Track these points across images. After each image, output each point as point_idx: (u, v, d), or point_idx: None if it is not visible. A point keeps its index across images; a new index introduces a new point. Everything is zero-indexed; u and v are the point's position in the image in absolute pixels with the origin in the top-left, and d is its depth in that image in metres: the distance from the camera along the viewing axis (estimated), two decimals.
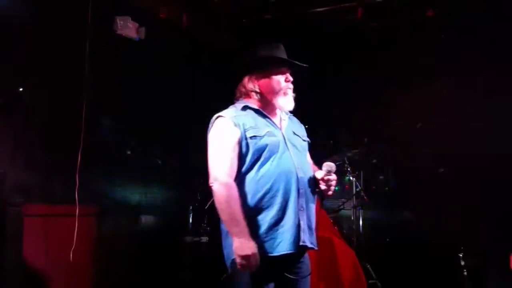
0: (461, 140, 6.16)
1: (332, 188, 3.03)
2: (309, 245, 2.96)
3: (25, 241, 4.14)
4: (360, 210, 6.23)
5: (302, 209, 2.93)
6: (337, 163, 6.48)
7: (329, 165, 2.98)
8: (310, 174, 3.06)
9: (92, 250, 4.88)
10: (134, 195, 5.68)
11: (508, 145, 5.79)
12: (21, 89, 4.21)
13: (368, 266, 5.49)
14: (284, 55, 3.11)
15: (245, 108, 3.05)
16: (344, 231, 6.01)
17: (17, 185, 4.20)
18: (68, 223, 4.53)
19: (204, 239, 5.67)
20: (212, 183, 2.87)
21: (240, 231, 2.75)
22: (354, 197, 6.16)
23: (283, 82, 3.06)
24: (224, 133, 2.93)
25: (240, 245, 2.72)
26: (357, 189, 6.17)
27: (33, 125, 4.47)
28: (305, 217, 2.94)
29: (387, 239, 6.32)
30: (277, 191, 2.87)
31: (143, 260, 5.35)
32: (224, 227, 2.92)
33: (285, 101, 3.06)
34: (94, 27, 4.93)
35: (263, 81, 3.07)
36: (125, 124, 5.50)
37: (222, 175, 2.85)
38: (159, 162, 6.04)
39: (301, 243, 2.89)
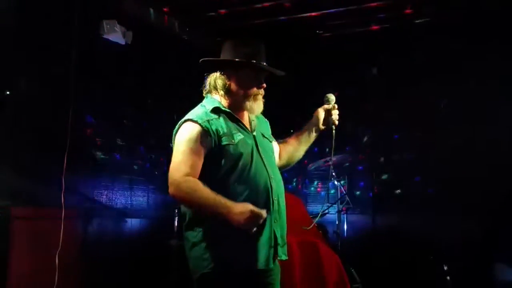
0: (446, 145, 6.23)
1: (337, 116, 3.08)
2: (283, 258, 2.91)
3: (11, 243, 4.14)
4: (345, 215, 6.28)
5: (276, 221, 2.84)
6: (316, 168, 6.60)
7: (327, 97, 3.08)
8: (281, 182, 2.97)
9: (78, 252, 4.88)
10: (120, 198, 5.69)
11: (495, 151, 5.86)
12: (7, 92, 4.21)
13: (352, 270, 5.52)
14: (263, 58, 2.92)
15: (216, 110, 2.87)
16: (329, 236, 6.05)
17: (4, 188, 4.20)
18: (54, 226, 4.54)
19: None
20: (171, 190, 2.69)
21: (225, 208, 2.58)
22: (338, 201, 6.20)
23: (255, 87, 2.91)
24: (191, 137, 2.75)
25: (237, 218, 2.55)
26: (342, 194, 6.22)
27: (20, 128, 4.46)
28: (279, 229, 2.85)
29: (371, 244, 6.36)
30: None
31: (129, 263, 5.35)
32: (189, 238, 2.81)
33: (254, 105, 2.91)
34: (81, 30, 4.95)
35: (235, 81, 2.90)
36: (112, 127, 5.52)
37: (182, 178, 2.69)
38: (145, 165, 6.06)
39: (278, 258, 2.84)
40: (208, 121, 2.80)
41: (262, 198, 2.78)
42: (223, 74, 2.91)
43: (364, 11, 6.26)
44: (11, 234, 4.22)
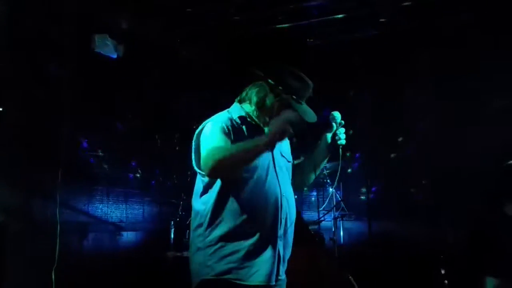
0: (445, 151, 6.23)
1: (343, 135, 3.00)
2: (283, 277, 2.89)
3: (6, 259, 4.13)
4: (341, 221, 6.28)
5: (281, 239, 2.83)
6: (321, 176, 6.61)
7: (332, 115, 3.03)
8: (293, 200, 2.96)
9: (74, 268, 4.86)
10: (115, 211, 5.69)
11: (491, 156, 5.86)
12: (1, 109, 4.21)
13: (350, 277, 5.52)
14: (303, 97, 2.92)
15: (241, 119, 2.90)
16: (325, 243, 6.05)
17: None
18: (49, 241, 4.52)
19: (186, 253, 5.67)
20: (209, 169, 2.63)
21: (261, 140, 2.62)
22: (334, 208, 6.21)
23: None
24: (218, 130, 2.77)
25: (272, 138, 2.59)
26: (337, 201, 6.23)
27: (13, 143, 4.46)
28: (282, 247, 2.84)
29: (368, 250, 6.36)
30: (260, 218, 2.72)
31: (126, 276, 5.33)
32: (195, 242, 2.81)
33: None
34: (73, 45, 4.96)
35: (269, 105, 2.89)
36: (105, 141, 5.52)
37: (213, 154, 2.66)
38: (140, 178, 6.06)
39: (279, 277, 2.82)
40: (230, 125, 2.82)
41: (270, 215, 2.78)
42: (262, 92, 2.92)
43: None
44: (6, 251, 4.20)
